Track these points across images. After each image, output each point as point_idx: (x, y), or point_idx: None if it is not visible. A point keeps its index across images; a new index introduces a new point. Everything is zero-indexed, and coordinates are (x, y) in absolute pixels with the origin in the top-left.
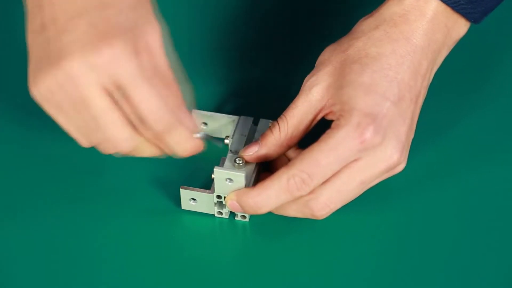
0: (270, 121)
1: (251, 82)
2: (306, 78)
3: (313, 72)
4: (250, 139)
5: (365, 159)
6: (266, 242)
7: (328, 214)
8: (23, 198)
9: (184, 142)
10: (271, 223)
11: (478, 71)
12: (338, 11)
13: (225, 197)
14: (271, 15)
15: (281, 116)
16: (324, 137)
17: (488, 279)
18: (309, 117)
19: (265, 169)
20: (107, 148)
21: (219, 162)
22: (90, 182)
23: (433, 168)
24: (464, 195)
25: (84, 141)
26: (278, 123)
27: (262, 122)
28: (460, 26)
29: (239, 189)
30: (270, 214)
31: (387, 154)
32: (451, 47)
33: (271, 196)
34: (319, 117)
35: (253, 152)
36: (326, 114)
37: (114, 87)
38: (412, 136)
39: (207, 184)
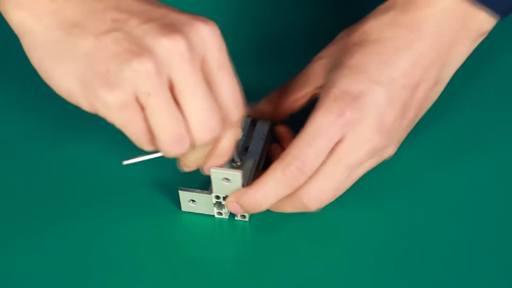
0: (269, 121)
1: (249, 84)
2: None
3: (323, 49)
4: (249, 138)
5: (348, 140)
6: (267, 241)
7: (321, 206)
8: (21, 200)
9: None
10: (271, 223)
11: (472, 64)
12: (337, 9)
13: (224, 198)
14: (269, 16)
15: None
16: (307, 122)
17: (488, 279)
18: (304, 89)
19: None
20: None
21: None
22: (88, 185)
23: (430, 161)
24: (459, 188)
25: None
26: (278, 89)
27: (261, 122)
28: (482, 19)
29: (237, 190)
30: (270, 213)
31: (369, 134)
32: (474, 43)
33: (270, 191)
34: (315, 92)
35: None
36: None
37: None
38: (405, 123)
39: (207, 185)
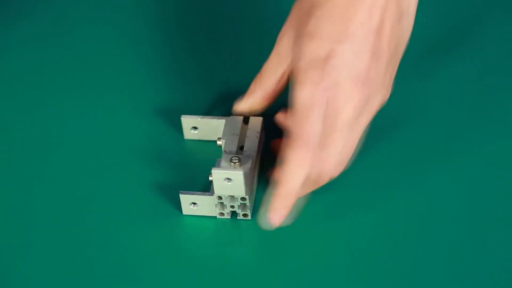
0: (261, 118)
1: (240, 84)
2: None
3: (283, 25)
4: (243, 137)
5: (332, 104)
6: (270, 240)
7: (332, 174)
8: (21, 201)
9: None
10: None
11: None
12: None
13: (225, 198)
14: (262, 16)
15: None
16: (291, 102)
17: (488, 278)
18: (280, 69)
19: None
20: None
21: (215, 163)
22: (88, 189)
23: (423, 160)
24: (451, 186)
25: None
26: (256, 77)
27: (252, 119)
28: None
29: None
30: None
31: (347, 92)
32: None
33: (294, 175)
34: (291, 67)
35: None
36: None
37: None
38: (382, 66)
39: (206, 187)
